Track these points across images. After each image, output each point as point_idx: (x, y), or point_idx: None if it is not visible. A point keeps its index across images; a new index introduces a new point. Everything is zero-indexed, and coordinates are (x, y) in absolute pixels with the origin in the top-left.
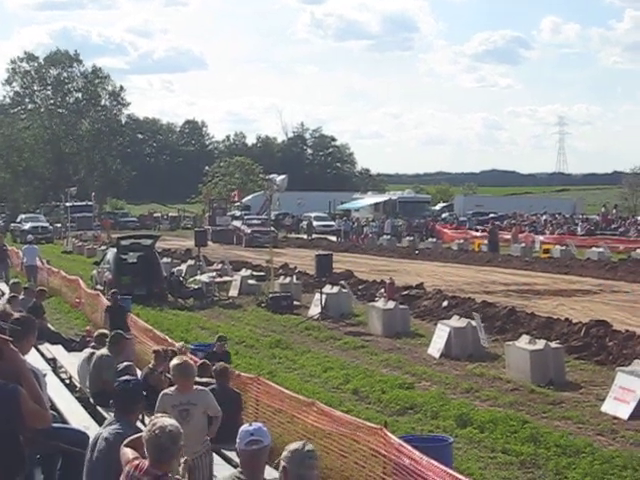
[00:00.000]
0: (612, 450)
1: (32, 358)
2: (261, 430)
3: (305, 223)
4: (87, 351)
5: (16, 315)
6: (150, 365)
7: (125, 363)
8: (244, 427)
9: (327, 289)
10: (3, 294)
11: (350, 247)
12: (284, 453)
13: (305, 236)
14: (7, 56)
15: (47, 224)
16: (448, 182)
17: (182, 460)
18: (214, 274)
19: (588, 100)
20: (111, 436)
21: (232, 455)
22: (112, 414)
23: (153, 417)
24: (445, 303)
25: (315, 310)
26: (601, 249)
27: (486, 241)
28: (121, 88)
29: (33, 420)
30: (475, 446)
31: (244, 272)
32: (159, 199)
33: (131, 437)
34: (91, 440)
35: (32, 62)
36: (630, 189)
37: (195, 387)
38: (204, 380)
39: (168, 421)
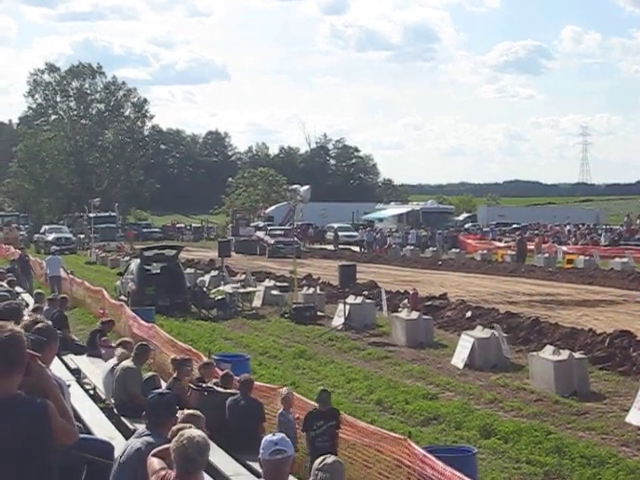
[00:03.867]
0: (637, 461)
1: (56, 369)
2: (284, 440)
3: (332, 234)
4: (111, 362)
5: (38, 325)
6: (174, 375)
7: (149, 374)
8: (268, 437)
9: (351, 299)
10: (27, 305)
11: (373, 258)
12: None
13: (331, 247)
14: (28, 66)
15: (70, 235)
16: (471, 192)
17: None
18: (238, 285)
19: (610, 110)
20: (143, 446)
21: (255, 465)
22: (142, 425)
23: (180, 426)
24: (469, 313)
25: (339, 321)
26: (625, 259)
27: (512, 252)
28: (145, 100)
29: (61, 436)
30: (499, 457)
31: (267, 283)
32: (182, 210)
33: (159, 447)
34: (121, 449)
35: (53, 73)
36: None
37: None
38: (228, 391)
39: (196, 432)
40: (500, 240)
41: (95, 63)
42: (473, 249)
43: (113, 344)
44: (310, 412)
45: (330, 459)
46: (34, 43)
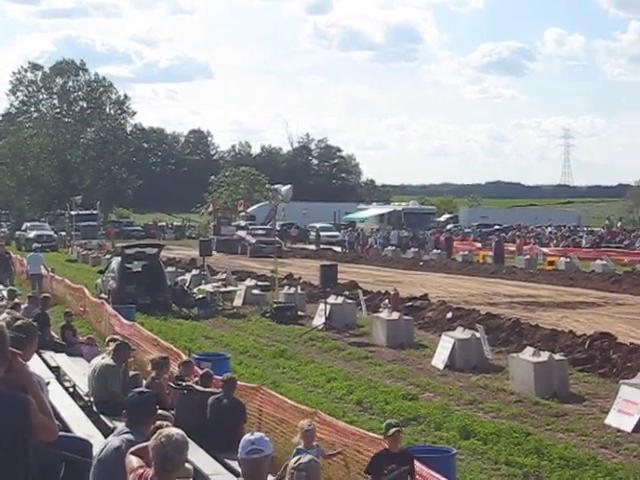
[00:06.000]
0: (615, 463)
1: (36, 366)
2: (262, 440)
3: (314, 234)
4: (95, 360)
5: (17, 322)
6: (153, 374)
7: (132, 373)
8: (245, 436)
9: (331, 299)
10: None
11: (355, 258)
12: None
13: (313, 246)
14: (10, 63)
15: (52, 232)
16: (453, 193)
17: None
18: (218, 284)
19: (593, 112)
20: (122, 444)
21: (234, 464)
22: (121, 423)
23: (158, 425)
24: (449, 314)
25: (319, 320)
26: (605, 262)
27: (491, 253)
28: (125, 97)
29: (41, 432)
30: (478, 458)
31: (248, 282)
32: (164, 208)
33: (137, 445)
34: (100, 447)
35: (37, 71)
36: (635, 202)
37: None
38: (208, 390)
39: (174, 430)
40: (480, 241)
41: (78, 60)
42: (454, 250)
43: (96, 342)
44: (379, 453)
45: (306, 458)
46: (16, 40)
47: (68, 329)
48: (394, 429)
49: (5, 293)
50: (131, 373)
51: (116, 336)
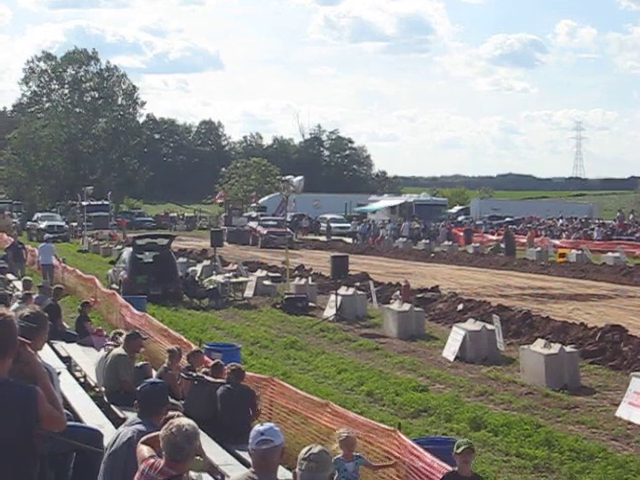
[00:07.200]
0: (626, 455)
1: (47, 356)
2: (272, 430)
3: (326, 225)
4: (102, 351)
5: (27, 312)
6: (165, 364)
7: (140, 362)
8: (256, 427)
9: (342, 291)
10: (18, 291)
11: (366, 249)
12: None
13: (324, 238)
14: (21, 53)
15: (63, 223)
16: (465, 185)
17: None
18: (230, 274)
19: (604, 105)
20: (134, 435)
21: (245, 455)
22: (132, 413)
23: (169, 415)
24: (460, 306)
25: (330, 312)
26: (617, 254)
27: (502, 245)
28: (134, 88)
29: (49, 422)
30: (489, 449)
31: (259, 273)
32: (175, 199)
33: (148, 435)
34: (112, 437)
35: (49, 61)
36: None
37: None
38: (218, 380)
39: (185, 420)
40: (492, 233)
41: (90, 49)
42: (465, 242)
43: (105, 332)
44: (447, 475)
45: (316, 449)
46: (27, 30)
47: (86, 320)
48: (464, 446)
49: (18, 284)
50: (139, 363)
51: (120, 330)
